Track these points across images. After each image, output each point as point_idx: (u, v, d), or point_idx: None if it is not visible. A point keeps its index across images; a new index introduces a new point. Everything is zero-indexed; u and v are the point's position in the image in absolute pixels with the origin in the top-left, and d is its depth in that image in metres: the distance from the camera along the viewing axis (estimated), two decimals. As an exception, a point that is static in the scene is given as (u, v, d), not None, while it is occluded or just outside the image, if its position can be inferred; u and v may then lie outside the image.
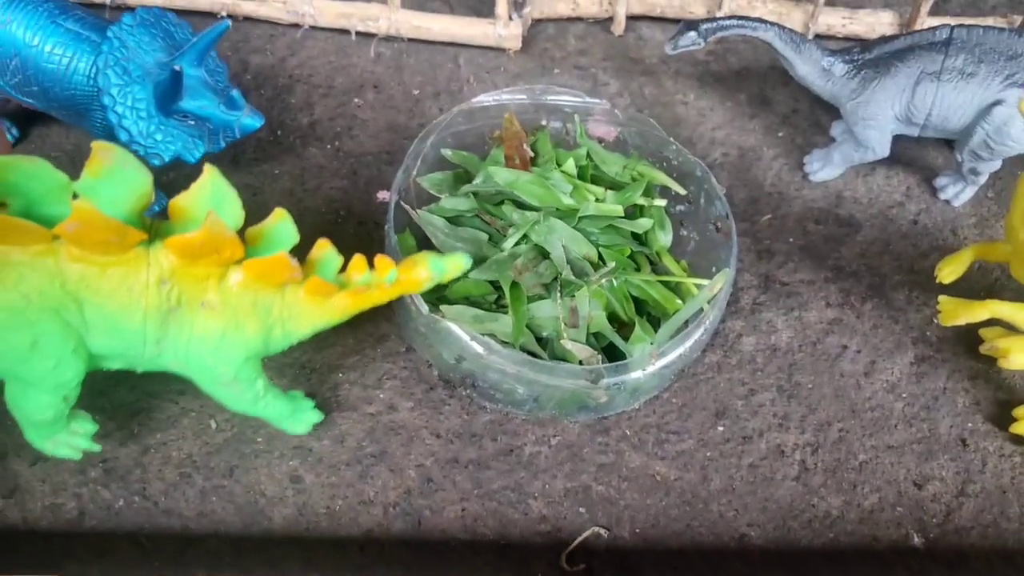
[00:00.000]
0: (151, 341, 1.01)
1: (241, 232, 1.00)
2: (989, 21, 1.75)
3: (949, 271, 1.32)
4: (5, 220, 0.89)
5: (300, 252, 1.05)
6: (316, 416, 1.20)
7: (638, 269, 1.33)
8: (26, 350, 0.96)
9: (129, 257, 0.96)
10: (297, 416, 1.18)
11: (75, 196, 0.94)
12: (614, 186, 1.38)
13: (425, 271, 1.12)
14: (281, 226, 1.04)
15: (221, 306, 1.01)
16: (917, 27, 1.72)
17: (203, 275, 0.99)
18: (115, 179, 0.94)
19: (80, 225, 0.90)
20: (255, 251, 1.03)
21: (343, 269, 1.09)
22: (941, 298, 1.29)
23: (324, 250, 1.08)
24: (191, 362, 1.04)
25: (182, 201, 0.99)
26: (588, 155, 1.41)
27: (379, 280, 1.10)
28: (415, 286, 1.13)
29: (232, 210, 1.00)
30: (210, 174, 0.98)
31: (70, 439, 1.10)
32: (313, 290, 1.05)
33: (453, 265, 1.14)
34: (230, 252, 0.98)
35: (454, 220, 1.32)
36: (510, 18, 1.71)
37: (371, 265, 1.10)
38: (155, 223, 1.01)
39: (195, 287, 1.00)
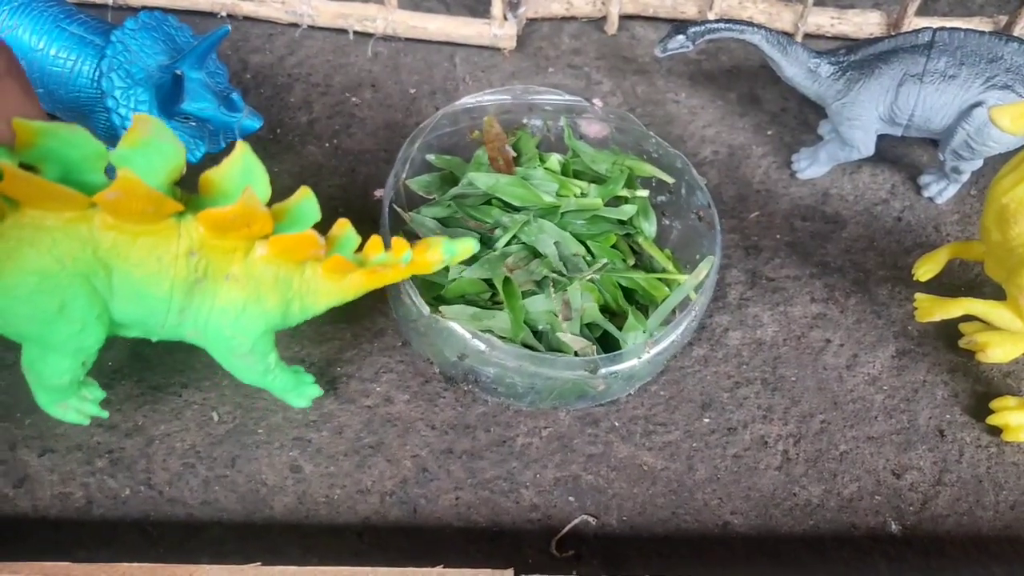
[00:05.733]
0: (175, 310, 1.03)
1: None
2: (976, 21, 1.78)
3: (925, 270, 1.35)
4: (44, 185, 0.89)
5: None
6: (316, 391, 1.24)
7: (624, 258, 1.36)
8: (53, 314, 0.97)
9: (161, 227, 0.97)
10: (300, 390, 1.22)
11: (109, 166, 0.94)
12: (597, 180, 1.40)
13: (438, 253, 1.17)
14: (305, 203, 1.06)
15: (244, 279, 1.03)
16: (904, 27, 1.75)
17: (230, 248, 1.01)
18: (151, 150, 0.95)
19: (121, 194, 0.90)
20: (279, 227, 1.04)
21: (360, 248, 1.13)
22: (917, 295, 1.32)
23: (344, 229, 1.11)
24: (210, 332, 1.06)
25: (213, 175, 1.00)
26: (574, 153, 1.44)
27: (395, 260, 1.13)
28: (428, 267, 1.18)
29: (260, 186, 1.01)
30: (242, 150, 0.99)
31: (80, 404, 1.13)
32: (333, 268, 1.08)
33: (463, 248, 1.19)
34: (260, 227, 1.00)
35: (444, 221, 1.35)
36: (505, 18, 1.73)
37: (387, 245, 1.14)
38: (186, 196, 1.02)
39: (222, 259, 1.02)
